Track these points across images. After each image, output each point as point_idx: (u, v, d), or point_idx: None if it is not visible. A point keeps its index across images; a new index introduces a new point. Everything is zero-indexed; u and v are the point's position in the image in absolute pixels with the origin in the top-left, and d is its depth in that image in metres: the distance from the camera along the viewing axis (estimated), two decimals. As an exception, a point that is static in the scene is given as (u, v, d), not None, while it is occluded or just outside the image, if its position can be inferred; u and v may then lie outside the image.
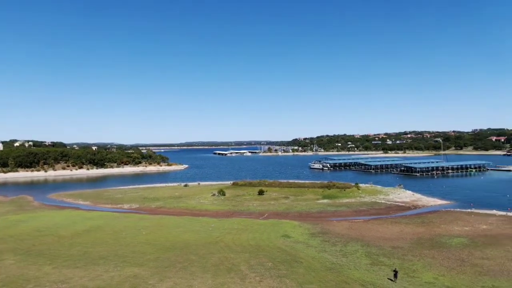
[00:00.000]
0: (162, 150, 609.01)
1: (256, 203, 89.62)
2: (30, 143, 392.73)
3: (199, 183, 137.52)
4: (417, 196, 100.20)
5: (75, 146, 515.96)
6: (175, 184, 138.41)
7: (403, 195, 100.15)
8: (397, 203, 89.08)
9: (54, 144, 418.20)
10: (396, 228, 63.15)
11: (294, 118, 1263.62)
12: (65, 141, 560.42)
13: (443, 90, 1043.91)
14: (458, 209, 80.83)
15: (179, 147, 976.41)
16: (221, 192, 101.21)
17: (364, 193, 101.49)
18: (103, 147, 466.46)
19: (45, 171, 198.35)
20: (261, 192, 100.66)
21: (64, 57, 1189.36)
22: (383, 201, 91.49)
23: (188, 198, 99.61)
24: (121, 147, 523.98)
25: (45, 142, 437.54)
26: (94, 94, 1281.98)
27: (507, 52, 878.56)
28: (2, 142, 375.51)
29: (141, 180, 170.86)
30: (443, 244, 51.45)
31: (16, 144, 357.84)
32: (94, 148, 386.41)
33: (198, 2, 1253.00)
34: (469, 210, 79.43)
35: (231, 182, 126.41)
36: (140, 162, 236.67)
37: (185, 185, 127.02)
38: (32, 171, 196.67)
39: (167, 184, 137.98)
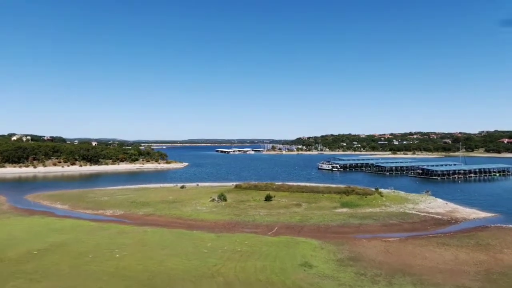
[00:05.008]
0: (164, 147, 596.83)
1: (263, 212, 75.28)
2: (28, 137, 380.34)
3: (197, 185, 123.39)
4: (451, 205, 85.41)
5: (76, 141, 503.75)
6: (170, 185, 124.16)
7: (434, 204, 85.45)
8: (432, 215, 74.41)
9: (53, 139, 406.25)
10: (447, 253, 48.59)
11: (298, 117, 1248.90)
12: (69, 136, 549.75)
13: (447, 91, 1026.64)
14: (511, 225, 66.16)
15: (181, 144, 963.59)
16: (222, 197, 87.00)
17: (388, 200, 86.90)
18: (104, 143, 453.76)
19: (34, 167, 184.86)
20: (268, 198, 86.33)
21: (67, 52, 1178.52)
22: (414, 212, 76.85)
23: (183, 203, 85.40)
24: (122, 143, 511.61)
25: (44, 136, 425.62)
26: (97, 90, 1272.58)
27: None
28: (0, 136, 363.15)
29: (136, 179, 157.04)
30: (527, 283, 36.98)
31: (14, 138, 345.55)
32: (94, 143, 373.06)
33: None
34: (526, 226, 64.72)
35: (234, 184, 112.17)
36: (137, 159, 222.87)
37: (182, 187, 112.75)
38: (20, 166, 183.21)
39: (161, 185, 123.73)
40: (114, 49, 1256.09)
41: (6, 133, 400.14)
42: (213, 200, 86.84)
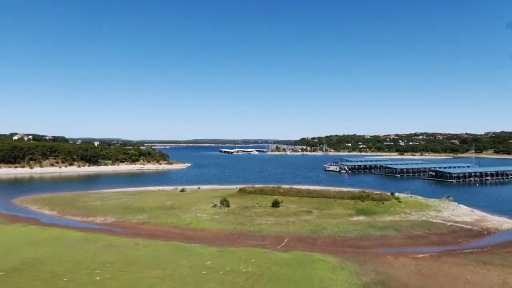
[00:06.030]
0: (168, 147, 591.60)
1: (271, 220, 67.60)
2: (30, 136, 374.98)
3: (199, 187, 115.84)
4: (478, 213, 77.23)
5: (79, 141, 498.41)
6: (170, 187, 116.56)
7: (459, 212, 77.34)
8: (460, 225, 66.37)
9: (54, 139, 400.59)
10: (492, 275, 40.67)
11: (301, 117, 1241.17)
12: (72, 136, 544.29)
13: (450, 92, 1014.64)
14: (554, 238, 58.09)
15: (185, 144, 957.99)
16: (225, 202, 79.43)
17: (408, 207, 78.90)
18: (107, 143, 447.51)
19: (31, 168, 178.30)
20: (275, 204, 78.64)
21: (67, 52, 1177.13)
22: (439, 221, 68.80)
23: (182, 209, 77.86)
24: (126, 143, 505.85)
25: (46, 136, 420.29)
26: (100, 90, 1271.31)
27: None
28: (1, 135, 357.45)
29: (134, 180, 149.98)
30: None
31: (15, 137, 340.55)
32: (96, 143, 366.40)
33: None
34: None
35: (238, 187, 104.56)
36: (137, 160, 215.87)
37: (182, 190, 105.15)
38: (16, 167, 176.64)
39: (160, 188, 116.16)
40: (114, 49, 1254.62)
41: (8, 133, 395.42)
42: (215, 205, 79.27)
